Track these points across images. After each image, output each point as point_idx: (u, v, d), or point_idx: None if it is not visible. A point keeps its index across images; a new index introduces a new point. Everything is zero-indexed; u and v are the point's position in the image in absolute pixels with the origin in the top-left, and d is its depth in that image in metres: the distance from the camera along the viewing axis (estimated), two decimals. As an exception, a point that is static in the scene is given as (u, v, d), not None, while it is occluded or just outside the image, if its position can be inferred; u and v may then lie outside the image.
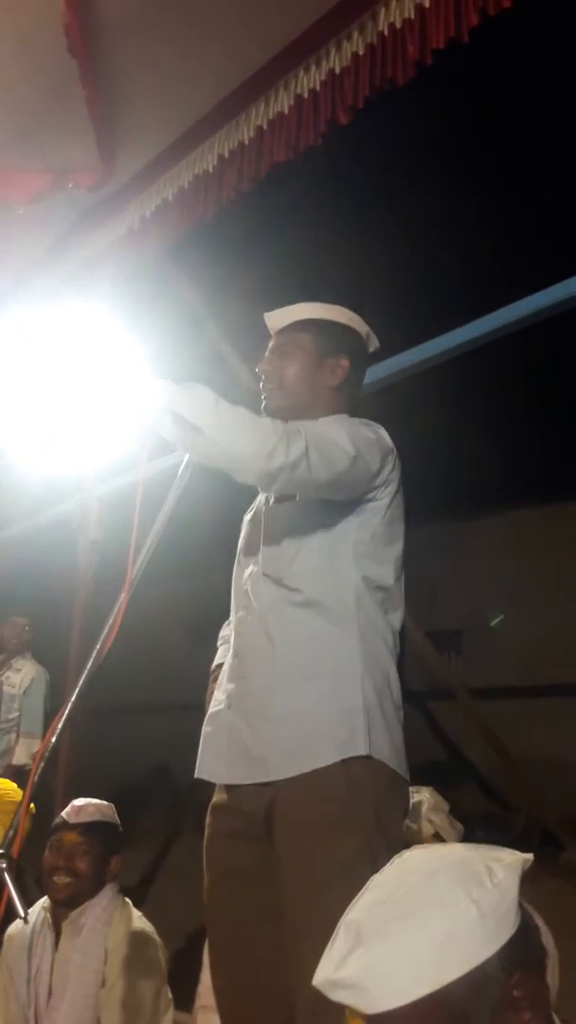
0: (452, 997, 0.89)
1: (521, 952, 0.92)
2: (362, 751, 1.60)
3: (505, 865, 0.96)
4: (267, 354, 1.88)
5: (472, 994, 0.89)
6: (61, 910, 2.33)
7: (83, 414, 2.91)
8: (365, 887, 1.01)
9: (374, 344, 1.92)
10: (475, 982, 0.89)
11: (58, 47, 2.00)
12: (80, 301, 2.73)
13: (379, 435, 1.75)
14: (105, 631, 1.63)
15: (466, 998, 0.89)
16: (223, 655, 1.94)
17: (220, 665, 1.92)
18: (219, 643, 2.02)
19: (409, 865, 1.01)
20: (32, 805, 2.97)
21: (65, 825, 2.39)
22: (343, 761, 1.59)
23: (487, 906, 0.92)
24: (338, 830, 1.53)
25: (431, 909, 0.92)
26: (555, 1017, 0.97)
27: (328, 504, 1.71)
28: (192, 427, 1.50)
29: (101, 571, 2.37)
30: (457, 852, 1.00)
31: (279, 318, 1.88)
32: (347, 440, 1.63)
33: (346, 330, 1.87)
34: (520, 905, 0.95)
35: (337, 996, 0.93)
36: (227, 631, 2.00)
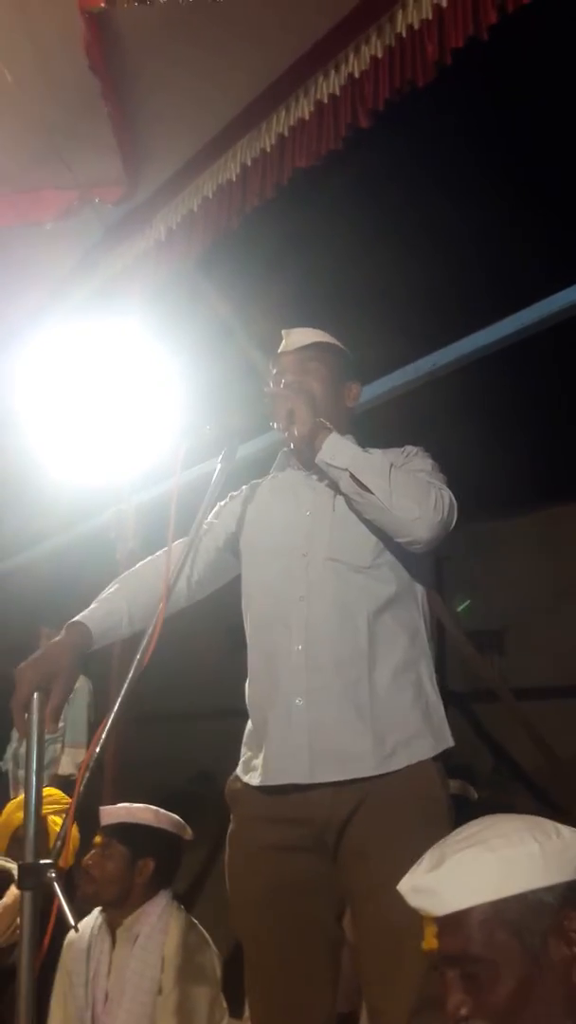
0: (508, 910, 1.07)
1: None
2: (451, 742, 1.70)
3: (573, 830, 1.14)
4: (286, 366, 1.92)
5: (526, 913, 1.07)
6: (114, 916, 2.36)
7: (118, 426, 2.95)
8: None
9: None
10: (529, 904, 1.07)
11: (80, 65, 2.03)
12: (111, 315, 2.76)
13: None
14: (145, 639, 1.64)
15: (520, 914, 1.07)
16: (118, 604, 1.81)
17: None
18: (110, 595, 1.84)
19: (495, 817, 1.20)
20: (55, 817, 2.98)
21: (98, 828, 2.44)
22: (442, 754, 1.67)
23: (549, 848, 1.10)
24: (429, 829, 1.50)
25: (501, 840, 1.12)
26: None
27: None
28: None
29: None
30: (536, 817, 1.18)
31: (299, 336, 1.94)
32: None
33: (355, 362, 1.99)
34: None
35: (414, 900, 1.14)
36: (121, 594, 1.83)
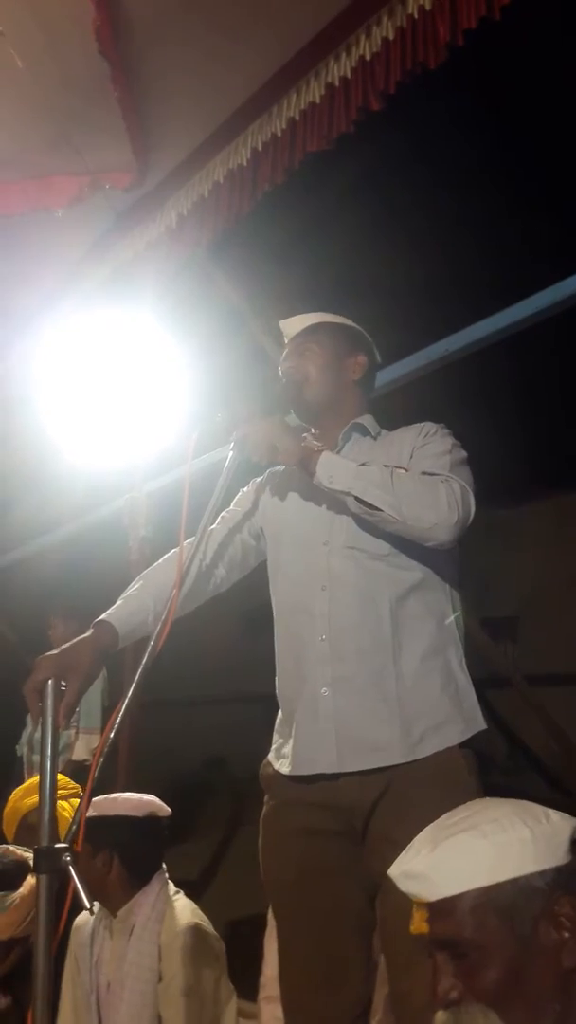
0: (500, 895, 1.08)
1: (569, 883, 1.09)
2: (483, 725, 1.68)
3: (561, 814, 1.15)
4: (286, 355, 1.94)
5: (517, 897, 1.08)
6: (109, 907, 2.34)
7: (130, 413, 2.95)
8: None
9: (378, 356, 2.00)
10: (521, 889, 1.09)
11: (89, 50, 2.02)
12: (123, 301, 2.76)
13: None
14: (159, 625, 1.65)
15: (511, 899, 1.08)
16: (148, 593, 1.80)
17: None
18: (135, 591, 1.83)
19: (484, 802, 1.22)
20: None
21: None
22: (469, 739, 1.65)
23: (539, 833, 1.11)
24: None
25: (492, 826, 1.12)
26: None
27: None
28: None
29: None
30: (524, 801, 1.19)
31: (294, 324, 1.95)
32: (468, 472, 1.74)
33: (357, 332, 1.96)
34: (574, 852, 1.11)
35: (405, 886, 1.14)
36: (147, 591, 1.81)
